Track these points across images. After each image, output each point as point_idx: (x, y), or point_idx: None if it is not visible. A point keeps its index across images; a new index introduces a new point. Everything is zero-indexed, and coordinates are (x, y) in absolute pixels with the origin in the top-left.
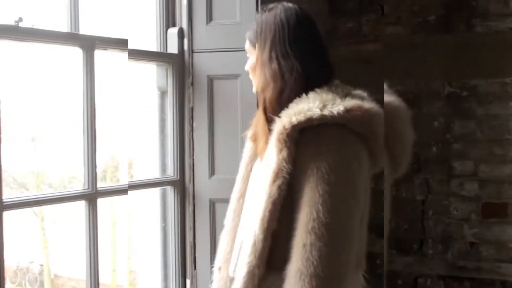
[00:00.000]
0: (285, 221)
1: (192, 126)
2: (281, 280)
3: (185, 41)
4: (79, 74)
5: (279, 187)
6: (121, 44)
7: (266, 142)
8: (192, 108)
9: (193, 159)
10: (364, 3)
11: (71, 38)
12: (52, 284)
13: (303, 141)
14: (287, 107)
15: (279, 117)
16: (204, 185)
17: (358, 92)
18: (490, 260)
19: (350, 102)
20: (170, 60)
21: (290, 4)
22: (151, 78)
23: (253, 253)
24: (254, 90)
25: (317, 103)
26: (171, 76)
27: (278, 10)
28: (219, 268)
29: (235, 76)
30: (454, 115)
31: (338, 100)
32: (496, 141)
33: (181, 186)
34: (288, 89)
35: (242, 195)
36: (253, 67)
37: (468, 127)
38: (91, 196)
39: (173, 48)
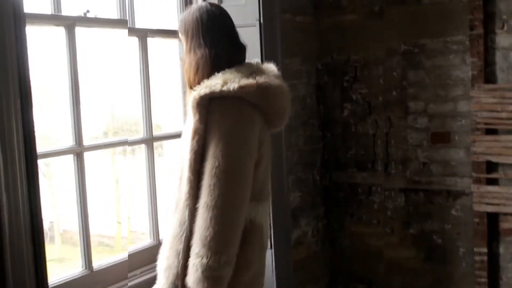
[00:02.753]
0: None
1: None
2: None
3: None
4: (135, 58)
5: (197, 142)
6: (164, 33)
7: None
8: None
9: None
10: None
11: (129, 29)
12: (62, 238)
13: (210, 108)
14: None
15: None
16: None
17: (267, 67)
18: (438, 175)
19: (246, 81)
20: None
21: (202, 3)
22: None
23: (188, 189)
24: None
25: (219, 81)
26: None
27: (193, 10)
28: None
29: None
30: (408, 67)
31: (237, 79)
32: (440, 85)
33: None
34: (200, 71)
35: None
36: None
37: (419, 75)
38: (78, 151)
39: None
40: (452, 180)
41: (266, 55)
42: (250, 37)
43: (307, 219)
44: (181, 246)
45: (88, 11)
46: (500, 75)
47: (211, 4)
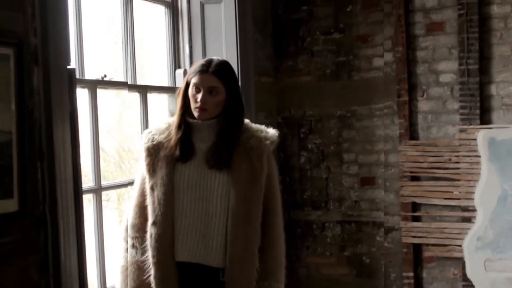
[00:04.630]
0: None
1: None
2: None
3: None
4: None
5: (265, 186)
6: (162, 89)
7: (229, 158)
8: None
9: None
10: (299, 48)
11: (134, 87)
12: None
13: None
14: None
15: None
16: None
17: None
18: (366, 210)
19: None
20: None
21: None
22: (164, 105)
23: (256, 229)
24: (204, 117)
25: (264, 132)
26: None
27: (226, 62)
28: (159, 262)
29: None
30: (343, 127)
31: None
32: (367, 141)
33: None
34: (241, 120)
35: (172, 200)
36: (221, 103)
37: (351, 134)
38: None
39: (179, 83)
40: (377, 214)
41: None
42: None
43: None
44: (254, 270)
45: (105, 75)
46: (421, 133)
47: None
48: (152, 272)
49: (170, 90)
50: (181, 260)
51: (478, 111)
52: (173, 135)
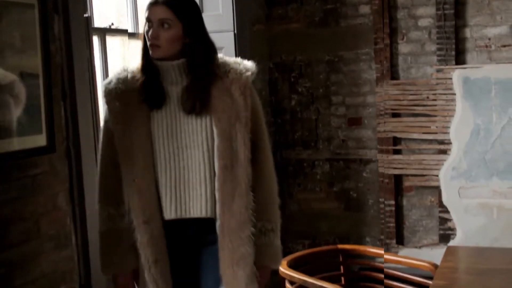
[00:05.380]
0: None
1: None
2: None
3: None
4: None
5: (251, 122)
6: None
7: (207, 100)
8: None
9: None
10: None
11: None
12: None
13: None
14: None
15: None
16: None
17: None
18: (353, 148)
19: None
20: None
21: None
22: None
23: (249, 171)
24: (159, 55)
25: (242, 64)
26: None
27: None
28: (146, 222)
29: (219, 49)
30: (331, 71)
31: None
32: (354, 84)
33: None
34: (211, 55)
35: (151, 152)
36: (175, 37)
37: (339, 77)
38: None
39: None
40: (363, 151)
41: (241, 57)
42: (225, 40)
43: None
44: (250, 231)
45: (112, 24)
46: (401, 73)
47: None
48: (138, 236)
49: None
50: (172, 217)
51: (453, 53)
52: (139, 79)
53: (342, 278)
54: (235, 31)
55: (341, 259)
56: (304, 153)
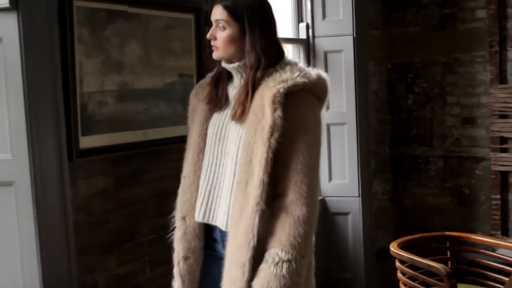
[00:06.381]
0: (278, 164)
1: None
2: (268, 213)
3: (310, 31)
4: None
5: (276, 139)
6: (287, 40)
7: (248, 107)
8: None
9: None
10: (407, 1)
11: None
12: None
13: (287, 102)
14: (267, 77)
15: (260, 84)
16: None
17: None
18: (466, 146)
19: (317, 72)
20: (301, 42)
21: None
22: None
23: (260, 192)
24: (218, 56)
25: (297, 73)
26: (302, 52)
27: None
28: (183, 218)
29: (339, 50)
30: (447, 73)
31: (308, 70)
32: (468, 85)
33: None
34: (264, 63)
35: (201, 151)
36: (230, 39)
37: (454, 79)
38: None
39: (302, 35)
40: (478, 150)
41: (358, 58)
42: (345, 43)
43: (378, 181)
44: (247, 256)
45: None
46: (509, 78)
47: None
48: (175, 230)
49: (294, 41)
50: (199, 220)
51: None
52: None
53: (449, 263)
54: (354, 35)
55: (448, 244)
56: (419, 150)
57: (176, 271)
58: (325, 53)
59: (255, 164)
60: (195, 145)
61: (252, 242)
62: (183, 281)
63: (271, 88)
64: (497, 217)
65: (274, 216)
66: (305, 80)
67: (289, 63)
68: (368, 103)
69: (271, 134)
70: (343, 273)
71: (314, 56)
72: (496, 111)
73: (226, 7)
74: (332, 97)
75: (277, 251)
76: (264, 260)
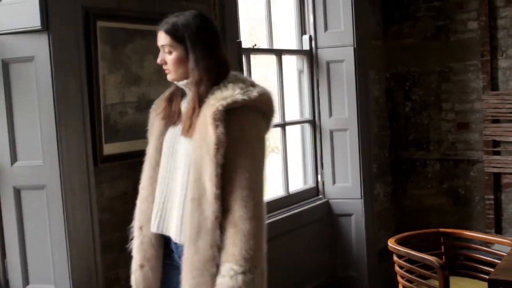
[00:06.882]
0: (223, 179)
1: (318, 90)
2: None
3: (313, 42)
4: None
5: (222, 155)
6: (291, 52)
7: (195, 123)
8: (318, 80)
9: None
10: (404, 15)
11: (272, 51)
12: None
13: (229, 119)
14: (211, 94)
15: (204, 102)
16: None
17: (247, 77)
18: (462, 150)
19: (260, 89)
20: (304, 53)
21: (196, 11)
22: (293, 65)
23: (217, 207)
24: (171, 78)
25: (237, 90)
26: (305, 62)
27: (191, 16)
28: (141, 228)
29: (341, 60)
30: (442, 81)
31: (250, 88)
32: (462, 92)
33: None
34: (206, 82)
35: (157, 164)
36: (177, 61)
37: (449, 86)
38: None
39: (306, 46)
40: (472, 153)
41: (358, 68)
42: (346, 54)
43: (379, 183)
44: (215, 269)
45: (255, 44)
46: (501, 85)
47: (202, 13)
48: (133, 240)
49: (298, 52)
50: (154, 231)
51: None
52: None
53: (443, 257)
54: (355, 46)
55: (442, 240)
56: (417, 154)
57: (132, 279)
58: (328, 63)
59: (205, 180)
60: (151, 159)
61: (218, 255)
62: None
63: (211, 106)
64: (491, 216)
65: (224, 232)
66: (245, 97)
67: (233, 81)
68: (369, 109)
69: (217, 151)
70: (347, 272)
71: (317, 66)
72: (489, 116)
73: (167, 32)
74: (335, 104)
75: (231, 265)
76: (221, 275)
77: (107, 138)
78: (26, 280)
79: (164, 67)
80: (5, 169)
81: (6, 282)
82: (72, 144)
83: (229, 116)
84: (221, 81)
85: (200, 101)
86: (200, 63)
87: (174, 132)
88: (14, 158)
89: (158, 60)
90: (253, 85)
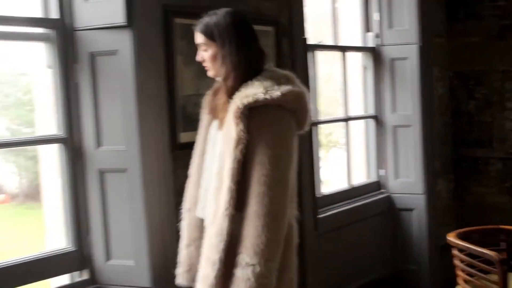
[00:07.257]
0: (244, 175)
1: (382, 87)
2: (241, 218)
3: (377, 39)
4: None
5: (241, 151)
6: (356, 48)
7: (225, 117)
8: (382, 77)
9: None
10: (468, 13)
11: (337, 47)
12: None
13: (252, 116)
14: (239, 90)
15: (232, 99)
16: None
17: (287, 73)
18: None
19: (284, 88)
20: (369, 50)
21: (229, 9)
22: (357, 61)
23: (228, 199)
24: (211, 74)
25: (260, 89)
26: (370, 59)
27: (222, 14)
28: (189, 210)
29: (405, 58)
30: (506, 80)
31: (276, 87)
32: None
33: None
34: (235, 78)
35: (203, 152)
36: (213, 58)
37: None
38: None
39: (370, 44)
40: None
41: (422, 65)
42: (410, 51)
43: (442, 180)
44: (217, 256)
45: (321, 41)
46: None
47: (237, 10)
48: (182, 221)
49: (362, 49)
50: (197, 215)
51: None
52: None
53: (503, 253)
54: (419, 44)
55: (502, 237)
56: (479, 152)
57: (179, 256)
58: (392, 60)
59: (224, 173)
60: (200, 148)
61: (222, 245)
62: (183, 266)
63: (236, 102)
64: None
65: (243, 223)
66: (267, 97)
67: (265, 77)
68: (432, 107)
69: (236, 146)
70: (408, 265)
71: (381, 63)
72: None
73: (201, 31)
74: (398, 101)
75: (243, 256)
76: (236, 264)
77: (183, 127)
78: (108, 255)
79: (204, 64)
80: (91, 152)
81: (90, 256)
82: (151, 131)
83: (251, 114)
84: (254, 77)
85: (228, 96)
86: (227, 59)
87: (216, 125)
88: (99, 143)
89: (198, 58)
90: (288, 82)
